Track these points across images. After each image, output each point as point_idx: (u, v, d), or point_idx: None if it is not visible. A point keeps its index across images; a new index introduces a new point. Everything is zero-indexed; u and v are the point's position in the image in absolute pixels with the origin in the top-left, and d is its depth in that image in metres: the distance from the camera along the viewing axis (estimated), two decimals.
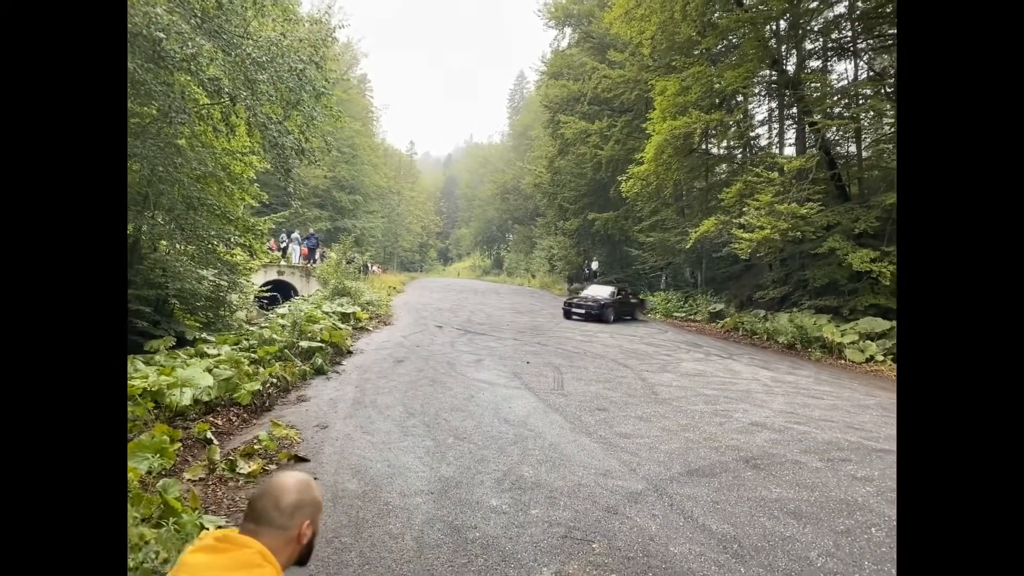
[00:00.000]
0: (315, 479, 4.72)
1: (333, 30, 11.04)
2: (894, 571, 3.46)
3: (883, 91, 15.94)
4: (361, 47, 59.35)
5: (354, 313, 14.34)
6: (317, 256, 25.18)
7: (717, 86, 17.91)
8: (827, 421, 7.09)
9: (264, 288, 16.21)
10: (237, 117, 8.81)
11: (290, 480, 1.46)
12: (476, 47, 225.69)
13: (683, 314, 20.29)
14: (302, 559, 1.47)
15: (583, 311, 18.39)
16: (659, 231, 22.76)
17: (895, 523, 4.13)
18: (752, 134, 21.39)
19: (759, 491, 4.70)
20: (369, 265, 30.77)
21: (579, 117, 28.69)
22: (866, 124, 16.02)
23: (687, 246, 19.06)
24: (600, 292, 19.71)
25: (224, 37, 7.79)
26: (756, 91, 20.19)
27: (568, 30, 34.57)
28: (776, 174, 15.37)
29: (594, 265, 29.47)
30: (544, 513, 4.17)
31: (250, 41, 8.08)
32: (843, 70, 18.56)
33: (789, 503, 4.47)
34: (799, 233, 14.10)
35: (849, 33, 17.27)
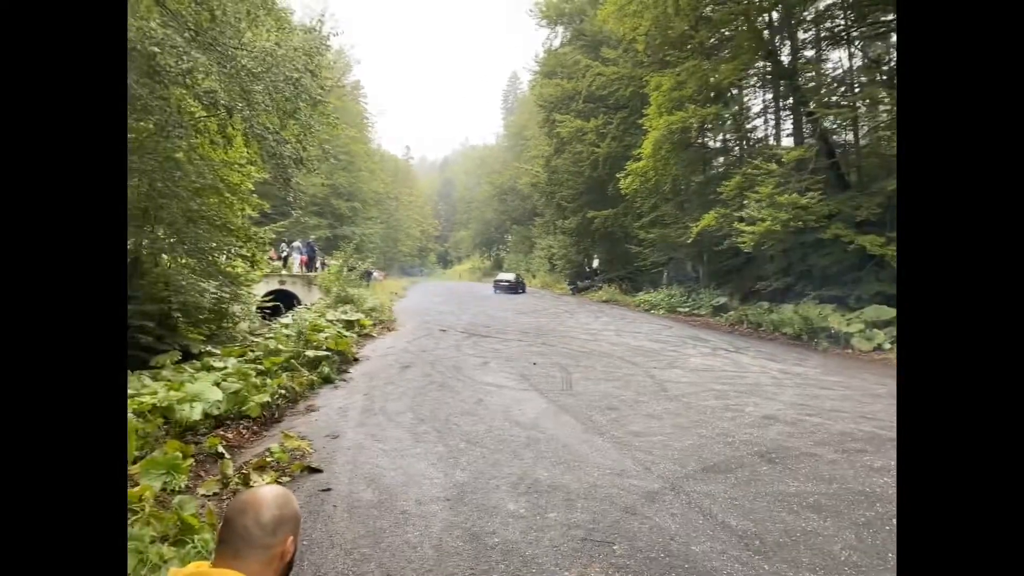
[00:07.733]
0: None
1: (326, 38, 10.99)
2: None
3: (878, 78, 15.92)
4: (353, 54, 59.53)
5: (358, 320, 14.31)
6: (317, 264, 25.12)
7: (712, 80, 17.90)
8: (839, 412, 7.05)
9: (267, 298, 16.14)
10: (234, 128, 8.76)
11: (268, 494, 1.39)
12: (468, 50, 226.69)
13: (687, 309, 20.24)
14: None
15: None
16: (659, 227, 22.69)
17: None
18: (749, 126, 21.37)
19: (776, 485, 4.67)
20: (372, 271, 30.72)
21: (574, 115, 28.70)
22: (863, 111, 15.99)
23: (688, 241, 19.02)
24: None
25: (218, 49, 7.75)
26: (752, 83, 20.16)
27: (560, 28, 34.67)
28: (775, 165, 15.35)
29: (595, 263, 29.41)
30: (562, 516, 4.14)
31: (244, 52, 8.03)
32: (838, 58, 18.50)
33: (808, 496, 4.43)
34: (801, 223, 14.06)
35: (842, 21, 17.25)
